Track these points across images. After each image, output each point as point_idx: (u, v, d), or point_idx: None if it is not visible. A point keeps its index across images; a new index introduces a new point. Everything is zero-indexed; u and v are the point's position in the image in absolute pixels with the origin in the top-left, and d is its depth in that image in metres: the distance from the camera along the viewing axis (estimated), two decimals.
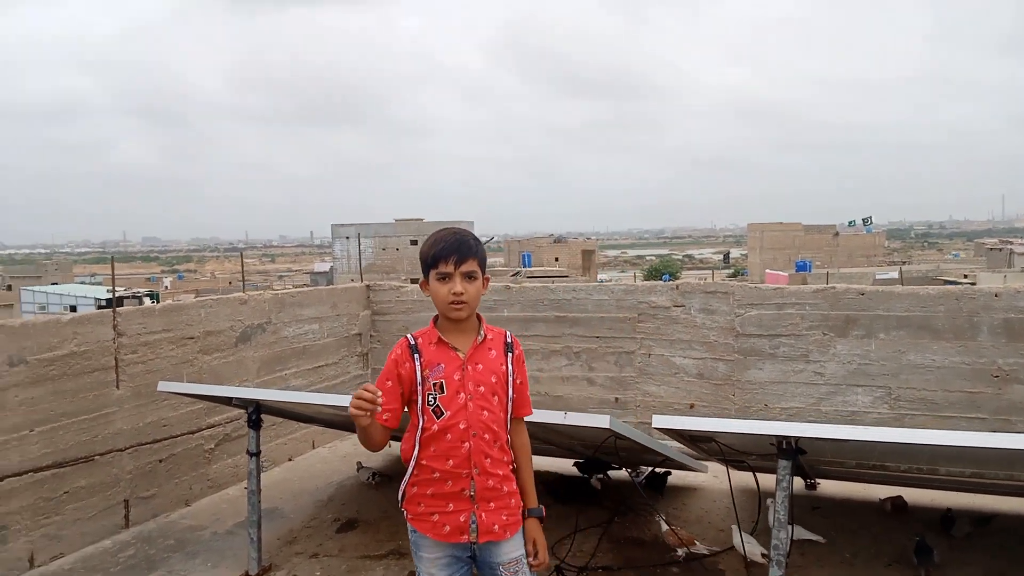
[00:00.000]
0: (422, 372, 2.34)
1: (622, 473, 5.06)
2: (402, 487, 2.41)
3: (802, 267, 48.38)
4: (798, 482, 4.89)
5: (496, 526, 2.35)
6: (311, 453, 6.16)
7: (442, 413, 2.32)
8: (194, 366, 5.01)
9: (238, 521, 4.74)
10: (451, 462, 2.33)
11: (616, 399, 5.96)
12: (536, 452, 2.58)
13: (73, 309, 45.52)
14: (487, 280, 2.43)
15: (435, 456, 2.34)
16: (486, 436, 2.35)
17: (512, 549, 2.40)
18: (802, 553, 4.00)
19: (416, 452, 2.35)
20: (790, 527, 2.89)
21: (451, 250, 2.33)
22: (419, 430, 2.35)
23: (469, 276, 2.34)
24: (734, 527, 3.95)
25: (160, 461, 4.80)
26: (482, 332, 2.42)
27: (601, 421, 2.96)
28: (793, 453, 2.88)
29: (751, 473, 4.09)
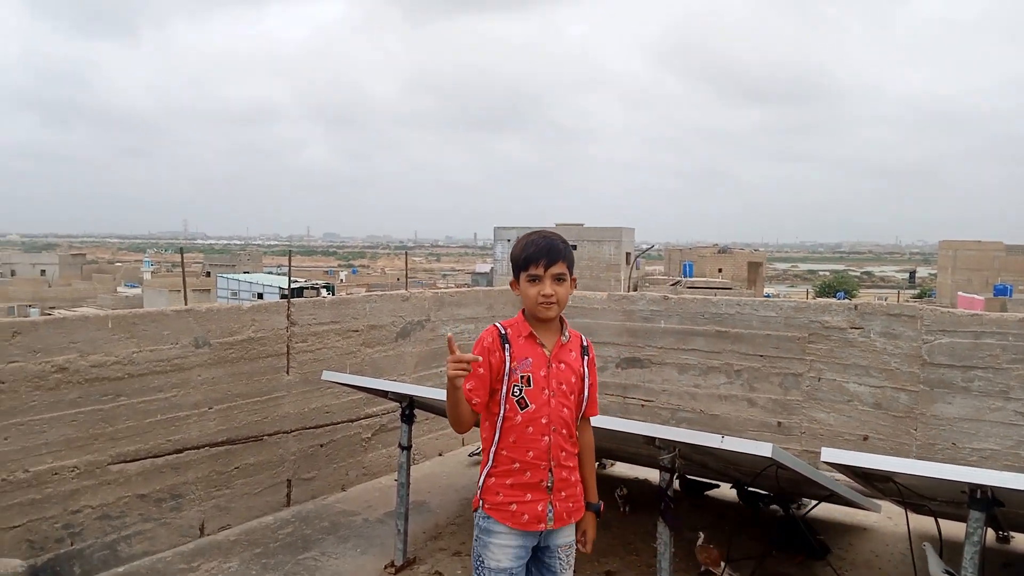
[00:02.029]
0: (511, 363, 2.43)
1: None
2: (481, 477, 2.50)
3: (1001, 291, 43.52)
4: (988, 534, 4.32)
5: (566, 513, 2.49)
6: (460, 450, 6.25)
7: (527, 405, 2.42)
8: (357, 357, 5.22)
9: (388, 510, 4.88)
10: (531, 453, 2.43)
11: (779, 423, 5.57)
12: (692, 472, 2.44)
13: (260, 296, 49.74)
14: (574, 281, 2.54)
15: (515, 446, 2.43)
16: (563, 431, 2.46)
17: (570, 533, 2.53)
18: None
19: (496, 441, 2.45)
20: None
21: (541, 253, 2.42)
22: (500, 418, 2.44)
23: (558, 278, 2.44)
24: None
25: (321, 446, 5.04)
26: (566, 333, 2.53)
27: (763, 449, 2.73)
28: (988, 504, 2.51)
29: (932, 519, 3.67)
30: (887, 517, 4.81)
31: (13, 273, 78.64)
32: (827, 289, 74.16)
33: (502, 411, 2.44)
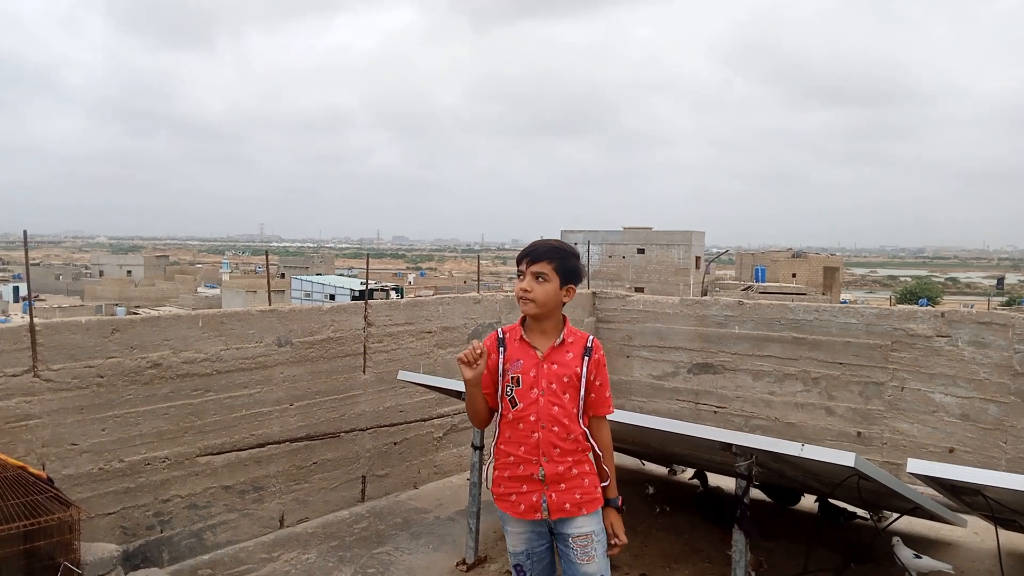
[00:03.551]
0: (503, 364, 2.62)
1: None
2: (487, 471, 2.74)
3: None
4: None
5: (567, 504, 2.58)
6: None
7: (516, 403, 2.59)
8: (430, 358, 5.31)
9: (458, 509, 4.95)
10: (522, 448, 2.59)
11: (859, 433, 5.41)
12: (768, 481, 2.39)
13: (332, 298, 50.98)
14: (572, 290, 2.63)
15: (510, 441, 2.62)
16: (555, 428, 2.58)
17: (584, 525, 2.60)
18: None
19: (496, 437, 2.67)
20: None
21: (526, 253, 2.64)
22: (498, 416, 2.66)
23: (538, 276, 2.59)
24: None
25: (395, 444, 5.15)
26: (562, 335, 2.65)
27: (845, 458, 2.66)
28: None
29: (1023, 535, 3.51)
30: (973, 532, 4.61)
31: (101, 273, 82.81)
32: (909, 296, 71.31)
33: (499, 409, 2.66)
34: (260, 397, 4.36)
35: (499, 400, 2.64)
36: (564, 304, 2.65)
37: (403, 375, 4.48)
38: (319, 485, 4.71)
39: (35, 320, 3.52)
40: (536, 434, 2.58)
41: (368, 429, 4.96)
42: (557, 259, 2.60)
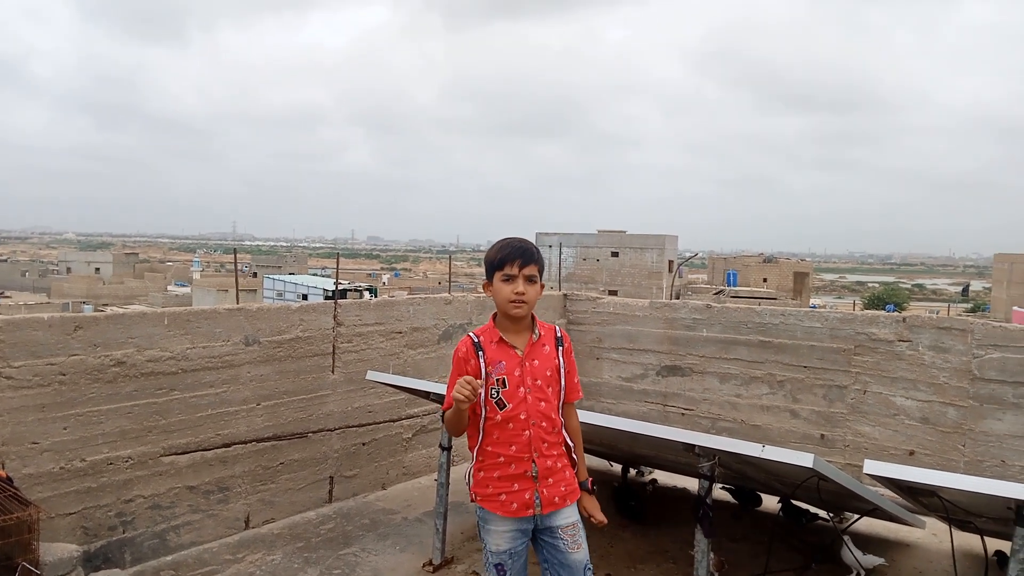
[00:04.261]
0: (486, 368, 2.63)
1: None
2: (469, 473, 2.74)
3: None
4: None
5: (556, 497, 2.66)
6: None
7: (505, 405, 2.62)
8: (400, 359, 5.31)
9: (426, 510, 4.94)
10: (514, 448, 2.62)
11: (822, 436, 5.50)
12: (731, 482, 2.43)
13: (305, 297, 50.56)
14: (543, 287, 2.70)
15: (498, 442, 2.63)
16: (543, 424, 2.65)
17: (570, 514, 2.70)
18: None
19: (480, 440, 2.66)
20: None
21: (516, 254, 2.63)
22: (482, 419, 2.64)
23: (530, 279, 2.63)
24: None
25: (363, 444, 5.13)
26: (537, 331, 2.71)
27: (803, 459, 2.71)
28: None
29: (978, 536, 3.60)
30: (931, 534, 4.71)
31: (69, 270, 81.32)
32: (876, 301, 72.49)
33: (484, 412, 2.65)
34: (226, 396, 4.32)
35: (483, 404, 2.63)
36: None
37: (372, 375, 4.48)
38: (286, 486, 4.68)
39: None
40: (527, 432, 2.62)
41: (336, 429, 4.94)
42: (539, 259, 2.67)
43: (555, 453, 2.68)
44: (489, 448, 2.66)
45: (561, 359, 2.72)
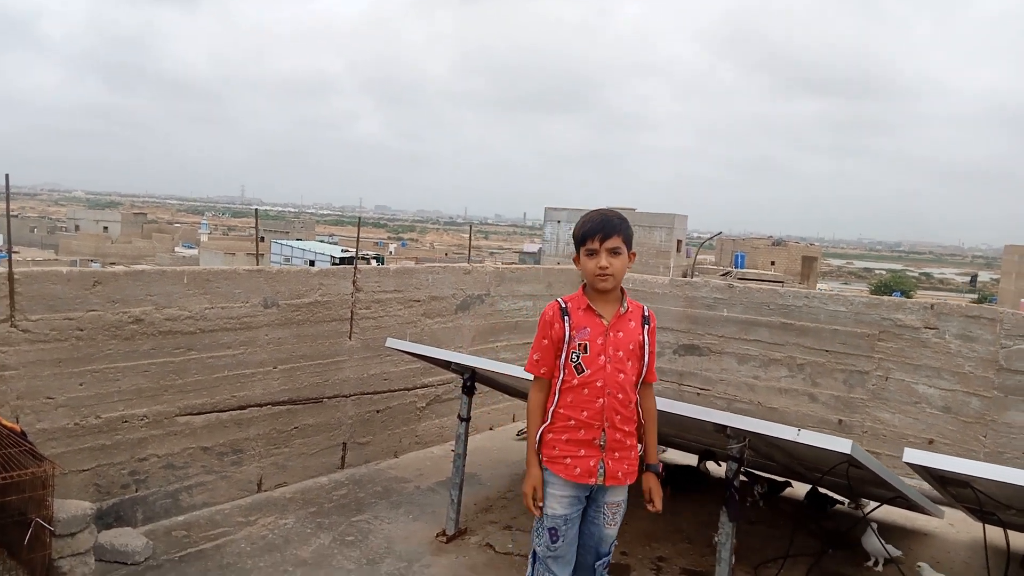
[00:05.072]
0: (570, 332, 2.63)
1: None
2: (539, 433, 2.70)
3: None
4: None
5: (620, 473, 2.67)
6: (510, 425, 6.25)
7: (583, 370, 2.62)
8: (417, 327, 5.24)
9: (439, 480, 4.91)
10: (585, 413, 2.62)
11: (840, 421, 5.43)
12: (758, 467, 2.37)
13: (312, 263, 50.58)
14: (633, 255, 2.68)
15: (571, 406, 2.63)
16: (619, 396, 2.63)
17: (621, 494, 2.74)
18: None
19: (556, 401, 2.66)
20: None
21: (597, 229, 2.62)
22: (560, 382, 2.66)
23: (614, 252, 2.62)
24: None
25: (377, 412, 5.09)
26: (625, 304, 2.70)
27: (841, 445, 2.64)
28: None
29: (1001, 529, 3.54)
30: (949, 524, 4.67)
31: (77, 228, 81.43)
32: (883, 288, 72.16)
33: (561, 375, 2.65)
34: (243, 358, 4.26)
35: (562, 367, 2.65)
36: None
37: (392, 343, 4.41)
38: (299, 450, 4.65)
39: (15, 269, 3.39)
40: (601, 400, 2.62)
41: (351, 396, 4.89)
42: (624, 229, 2.65)
43: (626, 429, 2.67)
44: (562, 411, 2.65)
45: (646, 337, 2.71)
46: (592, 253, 2.63)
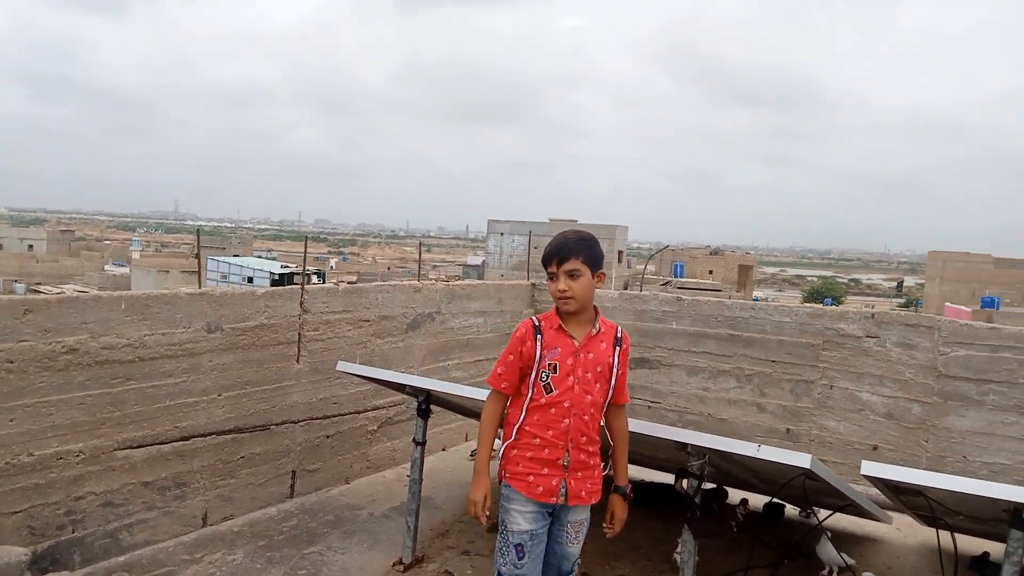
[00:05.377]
0: (541, 351, 2.66)
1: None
2: (502, 448, 2.73)
3: (988, 303, 43.84)
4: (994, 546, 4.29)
5: (583, 492, 2.70)
6: (464, 445, 6.17)
7: (552, 390, 2.65)
8: (367, 348, 5.13)
9: (393, 505, 4.80)
10: (551, 432, 2.64)
11: (787, 430, 5.53)
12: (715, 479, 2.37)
13: (250, 280, 49.42)
14: (601, 275, 2.69)
15: (538, 424, 2.65)
16: (585, 417, 2.66)
17: (584, 512, 2.77)
18: None
19: (522, 419, 2.68)
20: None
21: (553, 253, 2.67)
22: (528, 399, 2.68)
23: (571, 274, 2.64)
24: None
25: (327, 437, 4.95)
26: (597, 325, 2.72)
27: (800, 460, 2.67)
28: None
29: (949, 533, 3.63)
30: (896, 529, 4.78)
31: (0, 247, 77.87)
32: (815, 295, 74.47)
33: (530, 393, 2.67)
34: (186, 387, 4.09)
35: (531, 385, 2.67)
36: (596, 289, 2.72)
37: (343, 366, 4.29)
38: (246, 480, 4.48)
39: None
40: (567, 420, 2.64)
41: (300, 421, 4.74)
42: (584, 251, 2.66)
43: (590, 449, 2.70)
44: (527, 428, 2.67)
45: (616, 359, 2.73)
46: (552, 276, 2.68)
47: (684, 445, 2.96)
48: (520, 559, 2.66)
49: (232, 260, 59.53)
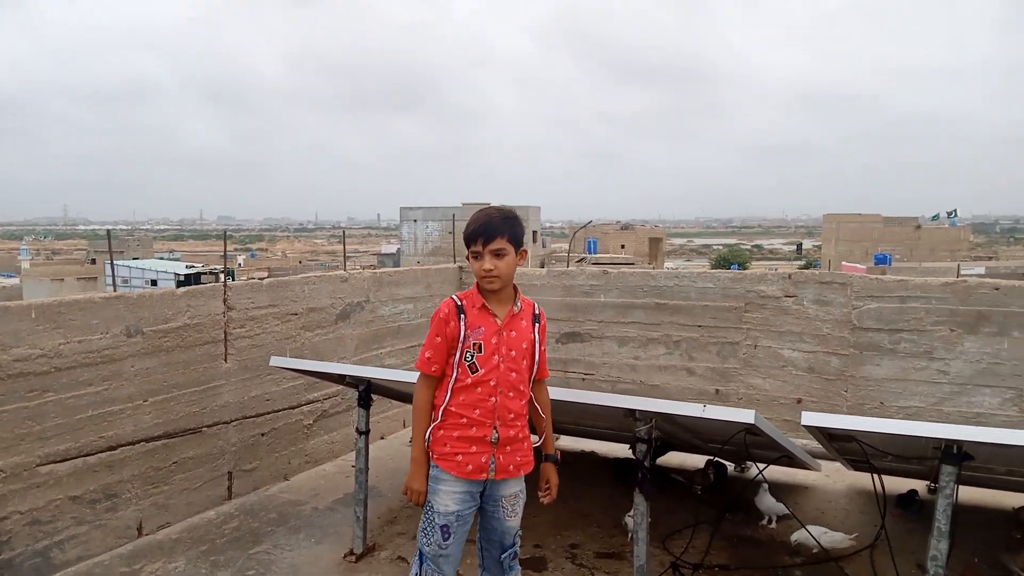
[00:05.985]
0: (465, 331, 2.64)
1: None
2: (429, 432, 2.71)
3: (881, 260, 46.49)
4: (920, 484, 4.60)
5: (511, 466, 2.70)
6: (402, 432, 6.12)
7: (477, 369, 2.64)
8: (296, 342, 5.00)
9: (336, 498, 4.72)
10: (478, 411, 2.64)
11: (716, 391, 5.72)
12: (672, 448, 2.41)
13: (154, 283, 47.29)
14: (524, 253, 2.71)
15: (464, 404, 2.65)
16: (511, 394, 2.67)
17: (516, 485, 2.76)
18: None
19: (447, 400, 2.67)
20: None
21: (479, 232, 2.63)
22: (453, 380, 2.67)
23: (497, 253, 2.63)
24: None
25: (262, 435, 4.81)
26: (518, 303, 2.73)
27: (744, 416, 2.77)
28: (959, 458, 2.64)
29: (872, 474, 3.85)
30: (825, 475, 5.03)
31: None
32: (722, 262, 77.15)
33: (455, 373, 2.66)
34: (109, 395, 3.89)
35: (455, 366, 2.66)
36: (520, 267, 2.72)
37: (276, 361, 4.17)
38: (181, 486, 4.30)
39: None
40: (493, 398, 2.64)
41: (232, 421, 4.59)
42: (508, 229, 2.65)
43: (519, 424, 2.72)
44: (453, 408, 2.67)
45: (537, 335, 2.76)
46: (477, 256, 2.66)
47: (632, 411, 3.01)
48: (445, 539, 2.65)
49: (133, 264, 56.78)
